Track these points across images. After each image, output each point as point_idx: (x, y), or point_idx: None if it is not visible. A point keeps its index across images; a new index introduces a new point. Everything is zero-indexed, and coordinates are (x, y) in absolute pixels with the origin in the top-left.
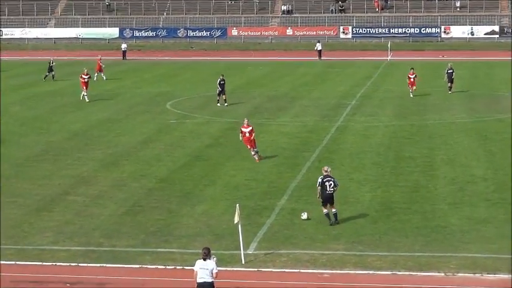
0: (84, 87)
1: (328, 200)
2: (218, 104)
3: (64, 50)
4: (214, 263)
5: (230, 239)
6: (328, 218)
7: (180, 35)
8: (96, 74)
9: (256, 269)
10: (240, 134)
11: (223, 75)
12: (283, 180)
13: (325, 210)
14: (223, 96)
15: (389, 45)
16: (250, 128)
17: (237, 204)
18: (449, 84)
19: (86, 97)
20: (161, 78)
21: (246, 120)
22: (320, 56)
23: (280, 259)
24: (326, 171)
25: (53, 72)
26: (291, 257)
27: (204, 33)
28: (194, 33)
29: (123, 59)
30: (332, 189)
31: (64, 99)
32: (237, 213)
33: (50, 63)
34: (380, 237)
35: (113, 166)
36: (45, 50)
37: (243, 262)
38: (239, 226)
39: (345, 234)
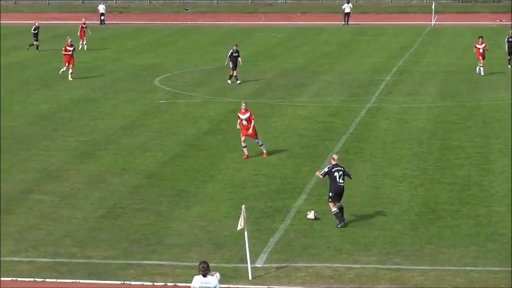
0: (67, 64)
1: (339, 194)
2: (229, 81)
3: (28, 13)
4: (217, 280)
5: (234, 249)
6: (338, 220)
7: None
8: (81, 43)
9: (266, 287)
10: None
11: (237, 46)
12: (301, 175)
13: (334, 209)
14: (234, 72)
15: (433, 6)
16: (249, 113)
17: (243, 206)
18: (509, 56)
19: (70, 75)
20: (148, 48)
21: (243, 105)
22: (347, 20)
23: (296, 274)
24: (334, 160)
25: (37, 42)
26: (310, 271)
27: None
28: None
29: (101, 24)
30: (343, 180)
31: (28, 74)
32: (242, 216)
33: (33, 29)
34: (421, 247)
35: (88, 157)
36: (4, 13)
37: (250, 278)
38: (245, 233)
39: (378, 243)
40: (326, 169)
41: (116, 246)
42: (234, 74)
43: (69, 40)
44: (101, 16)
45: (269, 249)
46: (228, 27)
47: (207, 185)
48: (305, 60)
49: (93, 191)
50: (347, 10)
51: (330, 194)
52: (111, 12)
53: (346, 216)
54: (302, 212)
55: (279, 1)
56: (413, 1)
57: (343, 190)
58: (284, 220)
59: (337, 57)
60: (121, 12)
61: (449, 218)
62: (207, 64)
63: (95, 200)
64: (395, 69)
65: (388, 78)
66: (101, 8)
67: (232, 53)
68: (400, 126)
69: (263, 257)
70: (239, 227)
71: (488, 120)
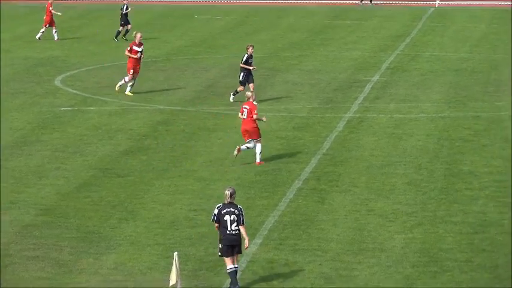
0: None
1: (230, 246)
2: (232, 97)
3: None
4: None
5: None
6: (232, 283)
7: None
8: (43, 30)
9: None
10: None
11: (252, 47)
12: (255, 211)
13: (229, 266)
14: (243, 87)
15: None
16: (249, 107)
17: (175, 253)
18: None
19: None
20: (47, 35)
21: (249, 93)
22: None
23: None
24: (227, 197)
25: (128, 26)
26: None
27: None
28: None
29: None
30: (236, 228)
31: None
32: (174, 267)
33: (122, 8)
34: None
35: None
36: None
37: None
38: None
39: None
40: (216, 211)
41: None
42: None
43: (139, 36)
44: None
45: None
46: (158, 7)
47: (126, 224)
48: (262, 53)
49: None
50: None
51: (220, 246)
52: None
53: (318, 267)
54: (257, 262)
55: None
56: None
57: (239, 241)
58: None
59: (306, 50)
60: None
61: (457, 270)
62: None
63: None
64: (385, 66)
65: (376, 78)
66: None
67: (248, 59)
68: (391, 144)
69: None
70: (171, 283)
71: (510, 136)
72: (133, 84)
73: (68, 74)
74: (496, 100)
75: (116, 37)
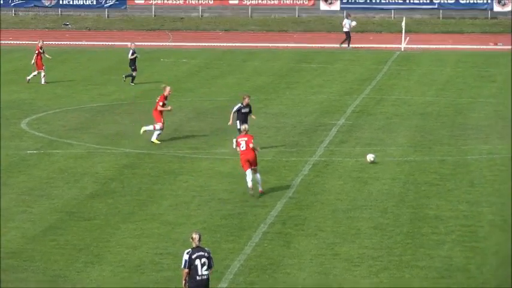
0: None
1: None
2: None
3: None
4: None
5: None
6: None
7: (45, 2)
8: (34, 74)
9: None
10: (237, 147)
11: (248, 97)
12: (221, 255)
13: None
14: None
15: (403, 23)
16: (247, 138)
17: None
18: None
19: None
20: (13, 78)
21: (246, 126)
22: (347, 40)
23: None
24: (196, 240)
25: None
26: None
27: (88, 1)
28: (69, 0)
29: None
30: (206, 272)
31: None
32: None
33: (130, 52)
34: None
35: None
36: None
37: None
38: None
39: None
40: (186, 257)
41: None
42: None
43: (168, 89)
44: None
45: None
46: (123, 50)
47: (92, 268)
48: (228, 97)
49: None
50: (347, 27)
51: None
52: None
53: None
54: None
55: (192, 14)
56: (376, 16)
57: (208, 285)
58: None
59: (272, 93)
60: None
61: None
62: (94, 101)
63: None
64: (351, 109)
65: (342, 121)
66: None
67: (240, 108)
68: (357, 188)
69: None
70: None
71: (477, 181)
72: (161, 133)
73: (34, 117)
74: (462, 144)
75: (132, 81)
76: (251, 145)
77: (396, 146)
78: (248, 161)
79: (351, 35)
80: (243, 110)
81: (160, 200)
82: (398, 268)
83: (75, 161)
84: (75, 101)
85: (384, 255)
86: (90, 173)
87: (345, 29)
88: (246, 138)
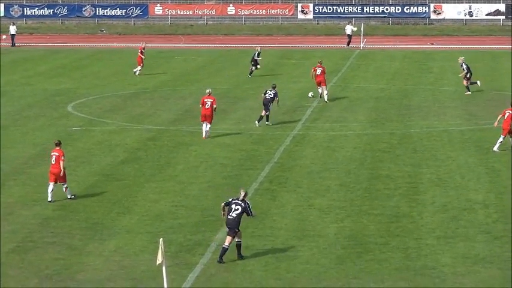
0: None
1: (227, 227)
2: (257, 123)
3: None
4: None
5: (151, 284)
6: (221, 256)
7: (85, 13)
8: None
9: None
10: (200, 106)
11: (274, 86)
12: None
13: (226, 243)
14: (267, 112)
15: (362, 28)
16: (212, 99)
17: (161, 239)
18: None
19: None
20: (61, 72)
21: (208, 90)
22: (349, 43)
23: None
24: (241, 194)
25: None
26: None
27: (118, 12)
28: (105, 11)
29: (12, 45)
30: (234, 215)
31: None
32: (160, 250)
33: (255, 54)
34: (349, 281)
35: None
36: None
37: None
38: (163, 268)
39: (303, 278)
40: (230, 199)
41: (25, 283)
42: (267, 114)
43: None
44: (12, 37)
45: (188, 285)
46: (146, 50)
47: (123, 217)
48: (228, 86)
49: (2, 223)
50: (348, 32)
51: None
52: (21, 33)
53: (270, 249)
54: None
55: (199, 22)
56: (341, 23)
57: (237, 222)
58: (205, 254)
59: (261, 82)
60: (31, 34)
61: (377, 251)
62: (124, 89)
63: (3, 234)
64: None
65: (315, 104)
66: (12, 30)
67: (266, 92)
68: (326, 155)
69: None
70: (157, 262)
71: (419, 148)
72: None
73: (78, 101)
74: (407, 120)
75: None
76: (215, 107)
77: (357, 123)
78: (205, 115)
79: (351, 38)
80: (268, 95)
81: (176, 165)
82: (358, 215)
83: (109, 135)
84: (109, 89)
85: (347, 206)
86: (121, 144)
87: (348, 33)
88: (211, 100)
